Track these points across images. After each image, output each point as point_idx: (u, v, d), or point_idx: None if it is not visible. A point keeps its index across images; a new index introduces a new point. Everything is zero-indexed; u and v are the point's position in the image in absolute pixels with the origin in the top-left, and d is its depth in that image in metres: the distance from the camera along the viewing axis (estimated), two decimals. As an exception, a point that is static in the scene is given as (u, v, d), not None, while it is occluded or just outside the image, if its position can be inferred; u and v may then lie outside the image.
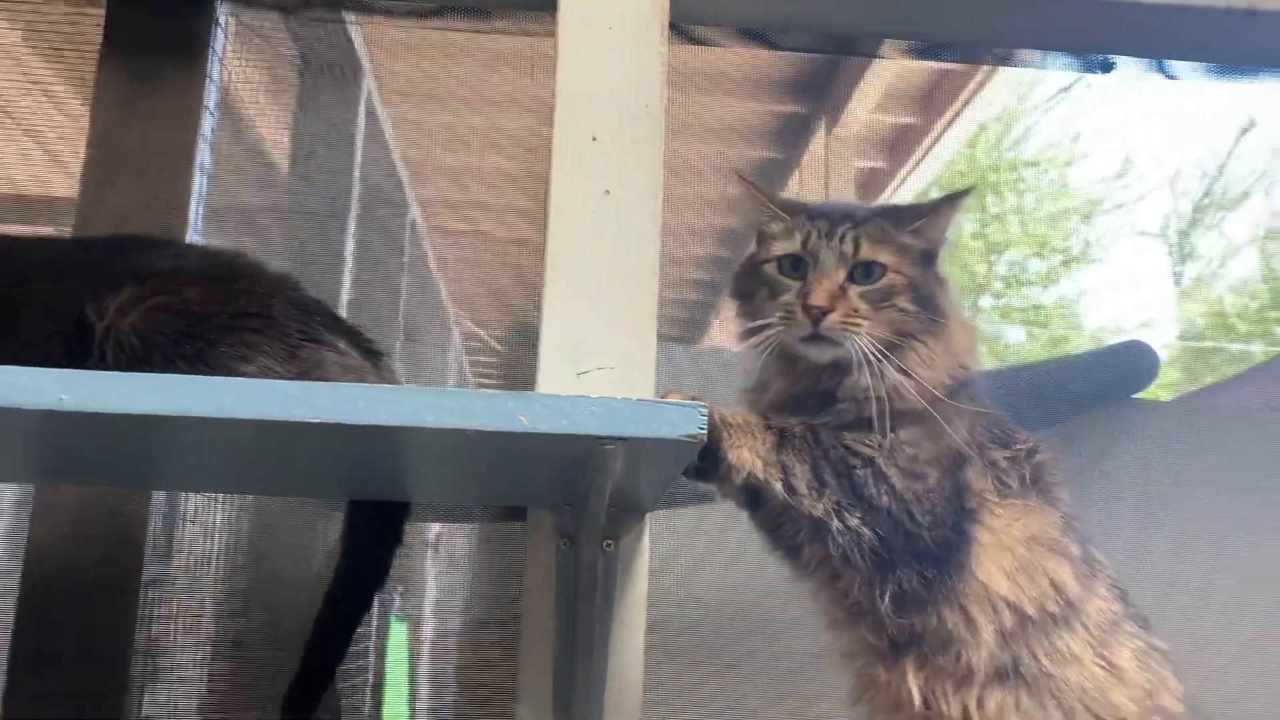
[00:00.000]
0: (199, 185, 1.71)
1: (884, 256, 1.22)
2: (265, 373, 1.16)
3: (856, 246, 1.22)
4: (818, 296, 1.20)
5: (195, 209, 1.69)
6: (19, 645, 1.56)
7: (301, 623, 1.42)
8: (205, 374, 1.13)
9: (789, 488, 1.15)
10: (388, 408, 0.92)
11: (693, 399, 1.04)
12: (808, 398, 1.24)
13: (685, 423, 0.92)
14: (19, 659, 1.55)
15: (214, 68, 1.79)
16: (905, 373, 1.18)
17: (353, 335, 1.31)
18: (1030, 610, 1.16)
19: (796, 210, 1.30)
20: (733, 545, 1.77)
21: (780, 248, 1.27)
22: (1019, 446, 1.23)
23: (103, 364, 1.15)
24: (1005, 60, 1.75)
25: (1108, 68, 1.69)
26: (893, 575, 1.15)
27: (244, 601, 1.87)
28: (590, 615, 1.32)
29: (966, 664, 1.15)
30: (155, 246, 1.30)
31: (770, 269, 1.27)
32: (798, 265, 1.25)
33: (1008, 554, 1.17)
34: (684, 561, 1.81)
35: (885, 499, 1.14)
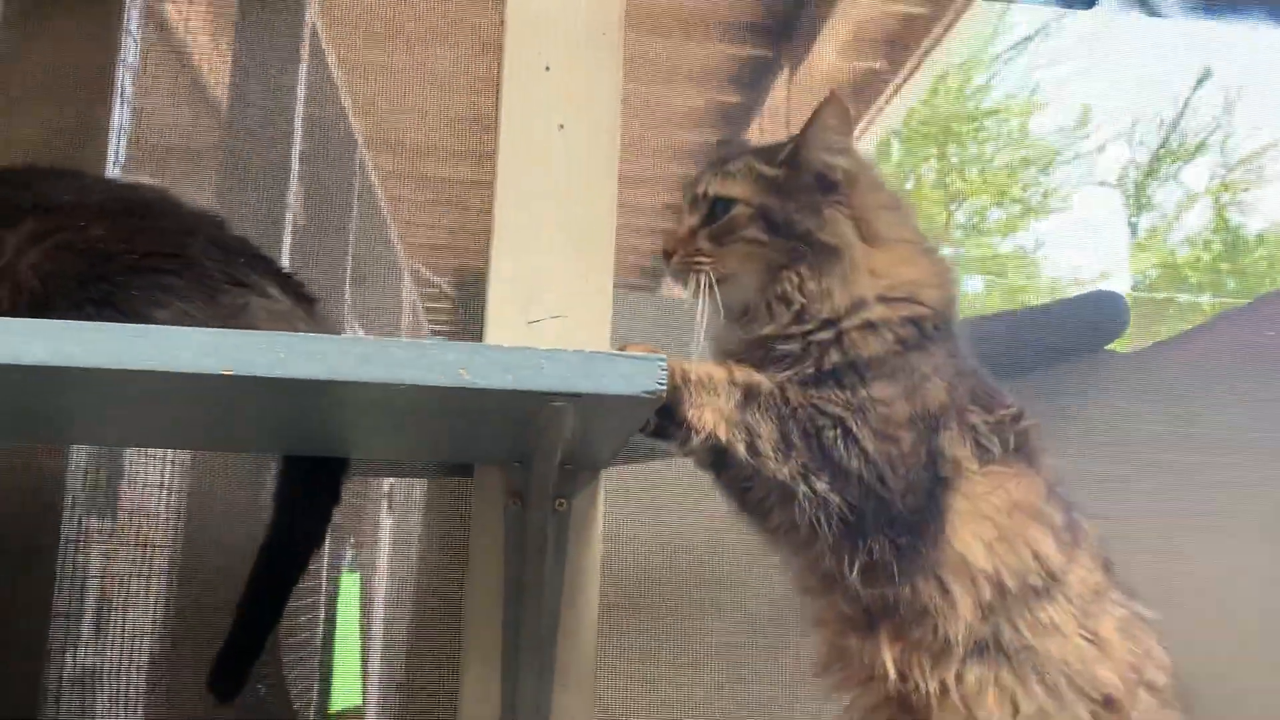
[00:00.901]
0: (119, 115, 1.58)
1: (734, 190, 1.19)
2: (181, 319, 1.05)
3: (707, 187, 1.21)
4: (665, 242, 1.21)
5: (116, 141, 1.57)
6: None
7: (238, 582, 1.34)
8: (114, 320, 1.03)
9: (753, 450, 1.08)
10: (312, 360, 0.82)
11: (651, 351, 0.96)
12: (751, 345, 1.18)
13: (642, 378, 0.84)
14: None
15: (136, -13, 1.65)
16: (784, 301, 1.15)
17: (283, 279, 1.21)
18: (1010, 582, 1.09)
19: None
20: (687, 498, 1.70)
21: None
22: (1002, 411, 1.16)
23: None
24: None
25: (1089, 3, 1.61)
26: (863, 544, 1.08)
27: (177, 560, 1.77)
28: (540, 577, 1.25)
29: (944, 637, 1.09)
30: (60, 178, 1.18)
31: None
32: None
33: (987, 523, 1.10)
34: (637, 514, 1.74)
35: (855, 462, 1.07)
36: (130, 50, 1.63)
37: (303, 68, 2.18)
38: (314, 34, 2.24)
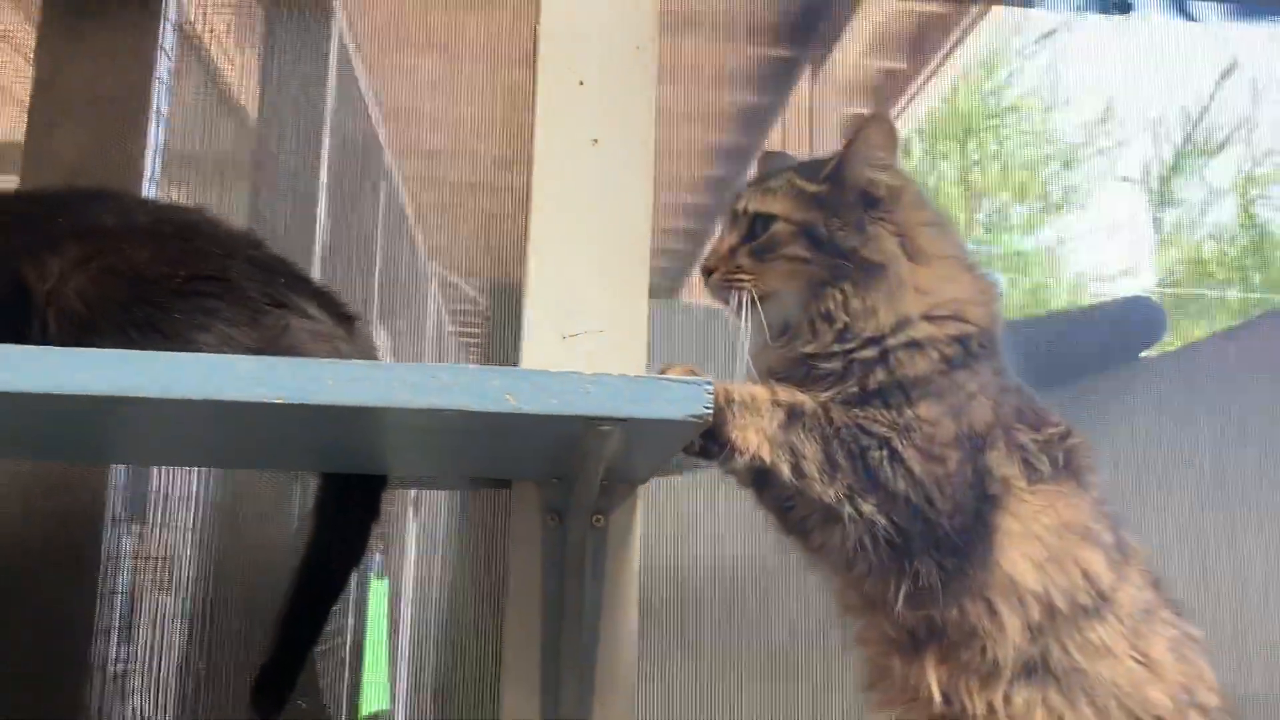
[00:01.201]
0: (155, 132, 1.59)
1: (775, 207, 1.19)
2: (225, 342, 1.06)
3: (748, 203, 1.21)
4: (706, 258, 1.21)
5: (152, 158, 1.57)
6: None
7: (276, 596, 1.34)
8: (158, 344, 1.03)
9: (797, 471, 1.07)
10: (358, 386, 0.83)
11: (690, 372, 0.96)
12: (794, 363, 1.18)
13: (689, 403, 0.84)
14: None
15: (169, 4, 1.66)
16: (828, 319, 1.14)
17: (323, 298, 1.21)
18: (1060, 603, 1.08)
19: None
20: (726, 513, 1.70)
21: None
22: (1050, 430, 1.15)
23: (44, 333, 1.05)
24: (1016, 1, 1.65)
25: (1125, 8, 1.59)
26: (909, 566, 1.07)
27: (215, 574, 1.78)
28: (579, 594, 1.25)
29: (992, 659, 1.08)
30: (102, 200, 1.19)
31: None
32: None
33: (1036, 543, 1.09)
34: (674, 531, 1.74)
35: (902, 484, 1.06)
36: (164, 67, 1.64)
37: (331, 79, 2.18)
38: (342, 45, 2.25)
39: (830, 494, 1.07)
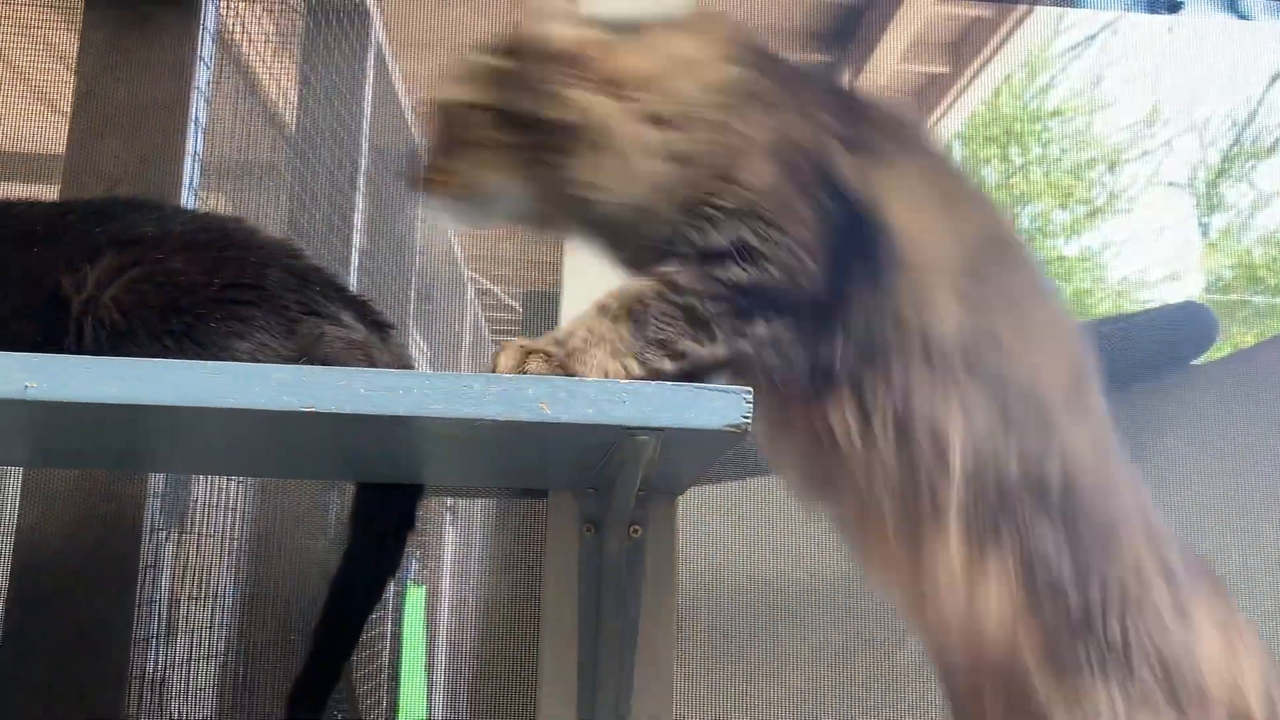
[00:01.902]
0: (194, 141, 1.60)
1: (462, 94, 1.05)
2: (260, 350, 1.05)
3: (434, 96, 1.09)
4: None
5: (191, 166, 1.58)
6: (9, 638, 1.47)
7: (311, 604, 1.34)
8: (194, 352, 1.03)
9: (678, 355, 0.95)
10: (392, 395, 0.81)
11: (524, 350, 0.90)
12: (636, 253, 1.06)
13: (728, 411, 0.82)
14: (9, 652, 1.47)
15: (208, 14, 1.67)
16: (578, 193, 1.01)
17: (358, 306, 1.20)
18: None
19: None
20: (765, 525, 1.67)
21: None
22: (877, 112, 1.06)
23: (80, 342, 1.05)
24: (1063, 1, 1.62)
25: (1174, 7, 1.56)
26: (827, 328, 0.98)
27: (251, 583, 1.78)
28: (616, 604, 1.23)
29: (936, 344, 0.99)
30: (138, 210, 1.19)
31: None
32: None
33: (919, 203, 1.02)
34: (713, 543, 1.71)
35: (771, 268, 0.95)
36: (203, 77, 1.65)
37: (369, 86, 2.19)
38: (379, 53, 2.25)
39: (721, 351, 0.97)
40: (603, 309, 0.97)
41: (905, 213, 1.01)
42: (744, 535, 1.68)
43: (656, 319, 0.96)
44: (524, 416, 0.82)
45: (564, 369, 0.91)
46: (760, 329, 0.98)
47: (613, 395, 0.83)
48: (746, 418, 0.82)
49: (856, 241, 1.00)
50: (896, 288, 1.00)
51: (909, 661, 1.62)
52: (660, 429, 0.83)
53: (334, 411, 0.80)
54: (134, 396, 0.79)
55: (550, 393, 0.82)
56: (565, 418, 0.82)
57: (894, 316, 1.00)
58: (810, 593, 1.67)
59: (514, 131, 1.02)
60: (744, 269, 0.97)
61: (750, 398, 0.82)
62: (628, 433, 0.85)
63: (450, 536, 3.17)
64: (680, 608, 1.28)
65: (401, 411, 0.81)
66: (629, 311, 0.96)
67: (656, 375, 0.94)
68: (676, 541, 1.27)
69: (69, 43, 1.82)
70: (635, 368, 0.94)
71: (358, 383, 0.81)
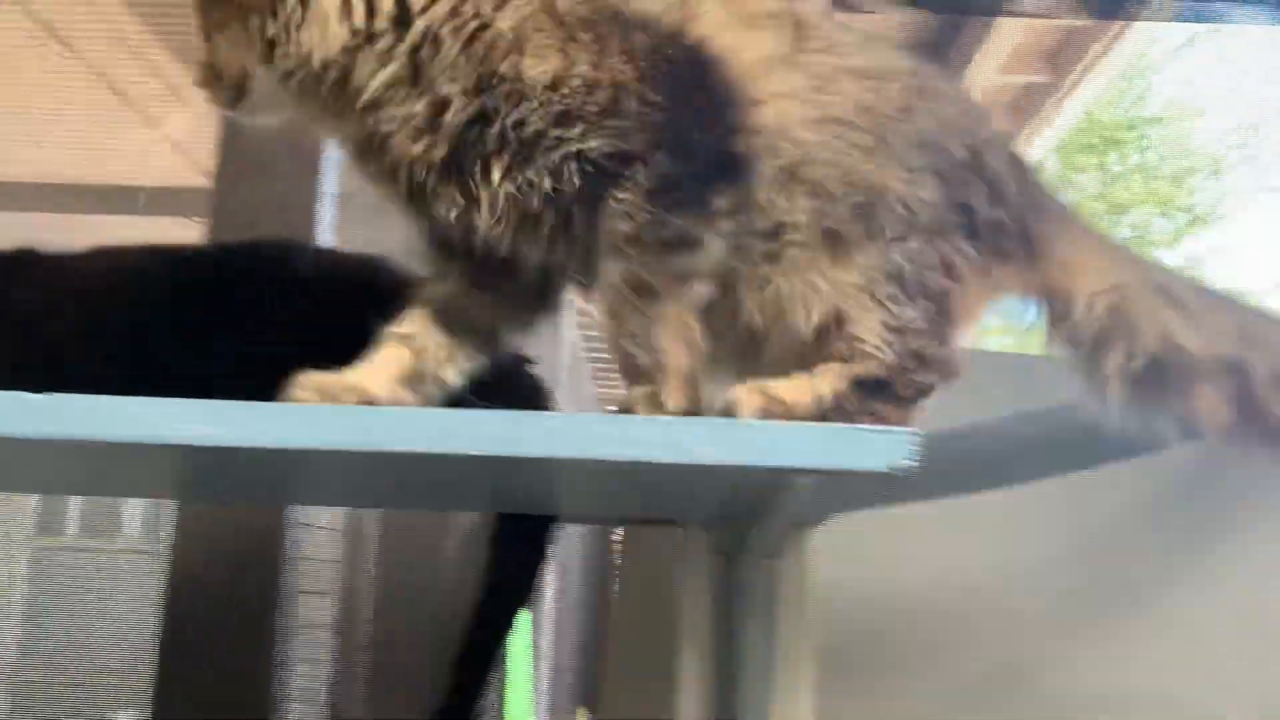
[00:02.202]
0: (328, 179, 1.65)
1: None
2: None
3: None
4: None
5: (328, 207, 1.63)
6: (165, 669, 1.53)
7: (436, 626, 1.35)
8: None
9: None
10: (552, 439, 0.82)
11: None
12: None
13: (892, 453, 0.81)
14: (165, 684, 1.52)
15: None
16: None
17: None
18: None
19: None
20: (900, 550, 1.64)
21: None
22: None
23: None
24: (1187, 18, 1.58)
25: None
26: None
27: (381, 609, 1.82)
28: (749, 639, 1.22)
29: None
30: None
31: None
32: None
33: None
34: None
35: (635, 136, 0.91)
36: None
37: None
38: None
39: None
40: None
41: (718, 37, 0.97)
42: (883, 559, 1.66)
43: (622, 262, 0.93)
44: (673, 459, 0.82)
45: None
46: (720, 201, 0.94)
47: (774, 439, 0.83)
48: (910, 460, 0.81)
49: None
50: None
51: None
52: (822, 471, 0.82)
53: (501, 455, 0.82)
54: (321, 442, 0.82)
55: (712, 436, 0.83)
56: (726, 460, 0.82)
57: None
58: (957, 619, 1.64)
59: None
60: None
61: (915, 440, 0.81)
62: (787, 475, 0.84)
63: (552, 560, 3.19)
64: (819, 634, 1.26)
65: (568, 454, 0.82)
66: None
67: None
68: (810, 571, 1.26)
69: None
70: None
71: (524, 430, 0.82)
